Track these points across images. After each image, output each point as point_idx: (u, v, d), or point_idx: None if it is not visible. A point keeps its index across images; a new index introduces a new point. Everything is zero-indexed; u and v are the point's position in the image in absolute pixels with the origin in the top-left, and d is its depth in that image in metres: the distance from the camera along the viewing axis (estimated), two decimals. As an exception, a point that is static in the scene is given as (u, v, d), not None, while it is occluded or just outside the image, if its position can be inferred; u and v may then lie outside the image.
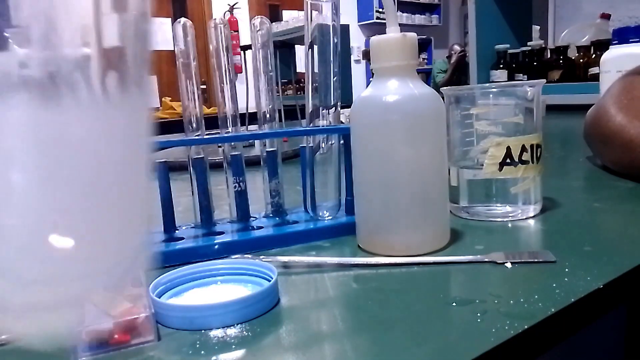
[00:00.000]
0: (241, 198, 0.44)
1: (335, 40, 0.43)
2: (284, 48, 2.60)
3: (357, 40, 4.93)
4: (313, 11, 0.42)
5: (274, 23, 2.79)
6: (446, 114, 0.40)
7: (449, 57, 3.91)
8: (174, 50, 0.41)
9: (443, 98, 0.41)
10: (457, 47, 3.80)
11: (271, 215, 0.45)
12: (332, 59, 0.43)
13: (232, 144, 0.43)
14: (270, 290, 0.30)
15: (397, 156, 0.37)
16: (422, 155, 0.37)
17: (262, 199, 0.46)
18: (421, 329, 0.26)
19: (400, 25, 0.37)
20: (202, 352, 0.25)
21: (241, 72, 2.33)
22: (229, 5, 3.02)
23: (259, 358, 0.25)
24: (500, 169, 0.43)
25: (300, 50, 2.74)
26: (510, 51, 1.67)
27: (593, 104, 0.66)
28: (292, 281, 0.34)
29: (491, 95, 0.44)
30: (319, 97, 0.43)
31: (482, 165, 0.44)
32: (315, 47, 0.42)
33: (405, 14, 5.44)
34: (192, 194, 0.43)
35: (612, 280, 0.30)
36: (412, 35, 0.37)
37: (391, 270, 0.35)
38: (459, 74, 3.66)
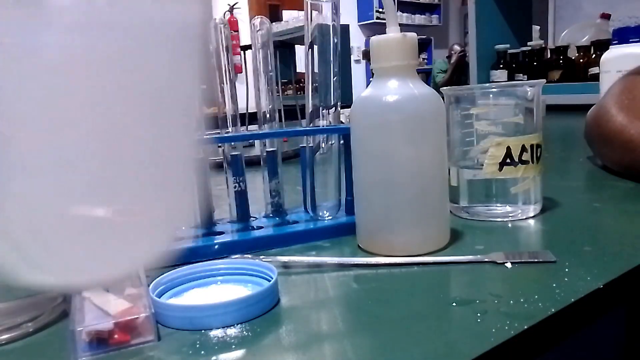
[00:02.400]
0: (241, 198, 0.44)
1: (335, 40, 0.43)
2: (284, 48, 2.60)
3: (357, 40, 4.93)
4: (313, 11, 0.42)
5: (274, 23, 2.79)
6: (446, 114, 0.40)
7: (449, 57, 3.92)
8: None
9: (443, 98, 0.41)
10: (457, 47, 3.80)
11: (271, 215, 0.45)
12: (332, 59, 0.43)
13: (232, 144, 0.43)
14: (270, 290, 0.30)
15: (397, 156, 0.37)
16: (422, 155, 0.37)
17: (262, 199, 0.46)
18: (421, 329, 0.26)
19: (400, 25, 0.37)
20: (202, 352, 0.25)
21: (241, 72, 2.33)
22: (229, 5, 3.02)
23: (259, 358, 0.25)
24: (500, 169, 0.43)
25: (300, 50, 2.74)
26: (510, 51, 1.67)
27: (593, 104, 0.66)
28: (292, 281, 0.34)
29: (491, 95, 0.44)
30: (319, 97, 0.43)
31: (482, 165, 0.44)
32: (315, 47, 0.42)
33: (405, 14, 5.43)
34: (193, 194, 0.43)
35: (612, 280, 0.30)
36: (412, 35, 0.37)
37: (391, 270, 0.35)
38: (459, 74, 3.66)
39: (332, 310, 0.30)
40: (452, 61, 3.77)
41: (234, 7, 2.93)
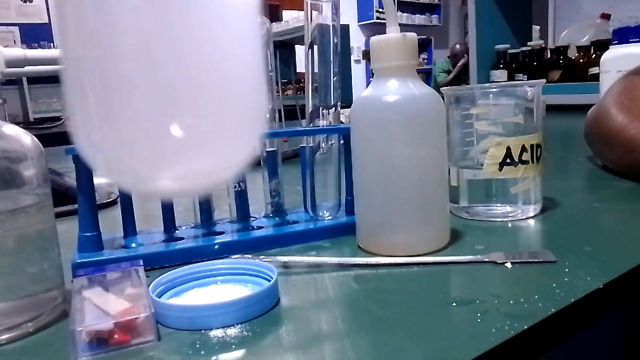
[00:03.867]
0: (241, 198, 0.44)
1: (335, 40, 0.43)
2: (284, 48, 2.60)
3: (357, 40, 4.93)
4: (313, 11, 0.42)
5: (274, 23, 2.79)
6: (446, 114, 0.40)
7: (450, 56, 3.92)
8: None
9: (443, 98, 0.41)
10: (458, 47, 3.81)
11: (271, 215, 0.45)
12: (332, 59, 0.43)
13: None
14: (270, 290, 0.30)
15: (397, 156, 0.37)
16: (422, 155, 0.37)
17: (262, 199, 0.46)
18: (421, 329, 0.26)
19: (400, 25, 0.37)
20: (202, 352, 0.25)
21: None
22: (229, 5, 3.01)
23: (259, 358, 0.25)
24: (500, 169, 0.43)
25: (300, 50, 2.74)
26: (510, 51, 1.67)
27: (593, 104, 0.66)
28: (292, 281, 0.34)
29: (491, 95, 0.44)
30: (319, 97, 0.43)
31: (482, 165, 0.44)
32: (315, 47, 0.42)
33: (405, 14, 5.43)
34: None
35: (612, 280, 0.30)
36: (412, 35, 0.37)
37: (391, 270, 0.35)
38: (460, 75, 3.67)
39: (332, 310, 0.30)
40: (458, 64, 3.77)
41: (234, 7, 2.93)
